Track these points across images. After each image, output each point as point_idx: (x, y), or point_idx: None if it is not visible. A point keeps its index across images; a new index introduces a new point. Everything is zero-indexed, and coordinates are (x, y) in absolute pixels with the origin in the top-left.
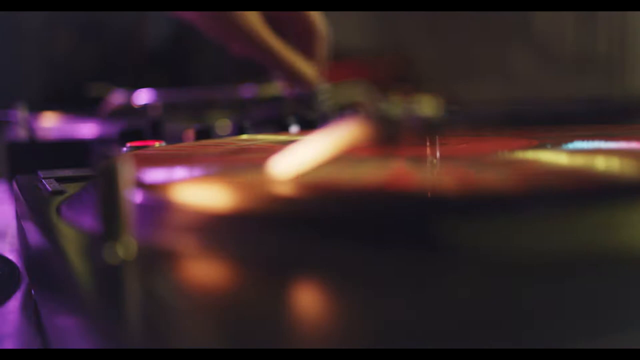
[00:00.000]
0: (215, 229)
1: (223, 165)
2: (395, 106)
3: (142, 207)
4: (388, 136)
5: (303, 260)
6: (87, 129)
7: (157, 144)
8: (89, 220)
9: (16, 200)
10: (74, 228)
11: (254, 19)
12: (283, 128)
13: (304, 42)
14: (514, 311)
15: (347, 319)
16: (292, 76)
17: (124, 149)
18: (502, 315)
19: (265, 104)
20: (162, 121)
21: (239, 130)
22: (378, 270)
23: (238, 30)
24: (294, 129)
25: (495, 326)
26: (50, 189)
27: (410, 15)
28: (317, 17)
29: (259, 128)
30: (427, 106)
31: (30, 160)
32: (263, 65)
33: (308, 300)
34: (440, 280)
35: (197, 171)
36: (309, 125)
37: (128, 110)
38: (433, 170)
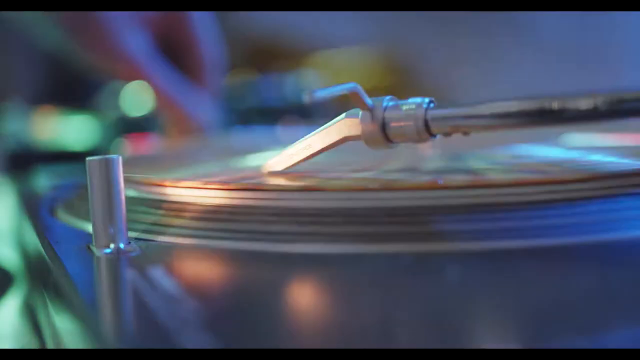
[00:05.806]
0: (209, 223)
1: (215, 161)
2: (387, 104)
3: (137, 203)
4: (382, 134)
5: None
6: (84, 125)
7: (151, 137)
8: (85, 220)
9: (14, 200)
10: (70, 229)
11: (136, 49)
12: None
13: (196, 72)
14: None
15: (344, 319)
16: (178, 119)
17: (121, 142)
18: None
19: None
20: (156, 115)
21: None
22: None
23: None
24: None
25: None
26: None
27: (410, 14)
28: (209, 46)
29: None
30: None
31: (27, 158)
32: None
33: (305, 300)
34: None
35: (190, 166)
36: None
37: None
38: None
